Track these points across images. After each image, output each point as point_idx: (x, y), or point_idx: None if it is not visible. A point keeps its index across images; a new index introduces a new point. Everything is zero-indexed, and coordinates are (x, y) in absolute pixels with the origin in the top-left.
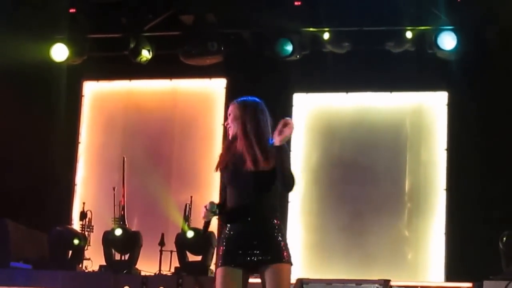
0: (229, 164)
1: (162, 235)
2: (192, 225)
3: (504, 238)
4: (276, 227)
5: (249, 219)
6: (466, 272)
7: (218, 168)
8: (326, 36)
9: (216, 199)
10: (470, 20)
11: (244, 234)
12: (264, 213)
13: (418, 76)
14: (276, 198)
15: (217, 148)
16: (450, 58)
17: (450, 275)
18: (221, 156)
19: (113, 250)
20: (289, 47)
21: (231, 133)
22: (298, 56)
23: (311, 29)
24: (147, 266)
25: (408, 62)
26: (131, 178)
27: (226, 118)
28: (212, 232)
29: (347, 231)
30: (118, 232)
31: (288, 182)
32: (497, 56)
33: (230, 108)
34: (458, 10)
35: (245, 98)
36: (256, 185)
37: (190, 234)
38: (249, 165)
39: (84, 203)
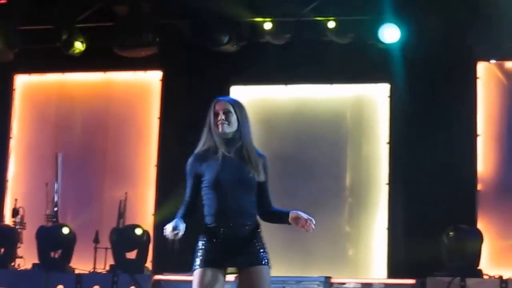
0: (214, 167)
1: (97, 232)
2: (127, 222)
3: (448, 234)
4: (258, 230)
5: (231, 224)
6: (409, 268)
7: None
8: (267, 26)
9: (151, 195)
10: (412, 10)
11: (226, 237)
12: (246, 218)
13: (359, 68)
14: (255, 204)
15: (153, 142)
16: (392, 50)
17: (393, 272)
18: (200, 157)
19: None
20: (225, 37)
21: (222, 129)
22: (235, 47)
23: (251, 19)
24: (81, 264)
25: (349, 53)
26: (64, 174)
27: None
28: (146, 231)
29: (286, 227)
30: (66, 230)
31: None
32: (439, 47)
33: (222, 105)
34: (400, 1)
35: (234, 99)
36: (242, 191)
37: (139, 231)
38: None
39: (16, 200)
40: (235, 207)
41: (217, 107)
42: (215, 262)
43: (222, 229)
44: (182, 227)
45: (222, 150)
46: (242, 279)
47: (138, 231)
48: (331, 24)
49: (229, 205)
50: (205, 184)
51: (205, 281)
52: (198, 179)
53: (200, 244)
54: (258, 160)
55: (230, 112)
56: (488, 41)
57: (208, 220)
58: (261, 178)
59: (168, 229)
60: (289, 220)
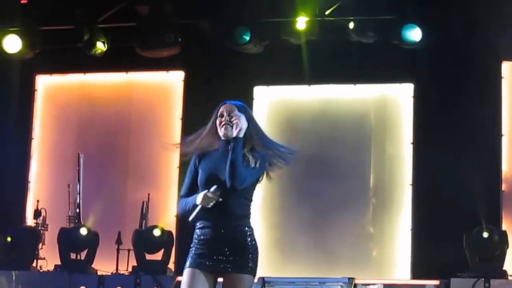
0: (208, 167)
1: (119, 233)
2: (150, 223)
3: (472, 234)
4: (249, 234)
5: (220, 225)
6: (433, 269)
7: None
8: (300, 25)
9: (174, 196)
10: (436, 10)
11: (215, 239)
12: (236, 220)
13: (383, 68)
14: (251, 205)
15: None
16: (416, 49)
17: (417, 273)
18: (200, 155)
19: (69, 249)
20: (247, 36)
21: (225, 132)
22: (257, 46)
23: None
24: (104, 265)
25: (373, 53)
26: (86, 175)
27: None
28: (170, 231)
29: (310, 228)
30: (84, 231)
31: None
32: (463, 46)
33: (227, 107)
34: (424, 1)
35: (241, 102)
36: (237, 192)
37: (157, 232)
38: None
39: (38, 201)
40: (225, 209)
41: (222, 109)
42: (203, 263)
43: (211, 230)
44: (215, 188)
45: (219, 150)
46: (224, 284)
47: (157, 232)
48: (351, 25)
49: (218, 207)
50: (198, 183)
51: (191, 282)
52: (196, 175)
53: (193, 243)
54: (258, 159)
55: (236, 115)
56: None
57: (199, 220)
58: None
59: (207, 194)
60: None
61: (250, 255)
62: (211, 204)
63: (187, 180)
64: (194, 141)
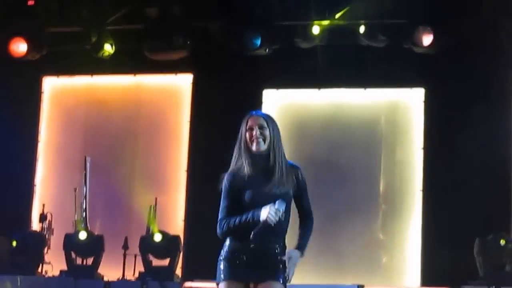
0: (248, 182)
1: (126, 238)
2: (157, 228)
3: (484, 242)
4: (279, 251)
5: (258, 240)
6: (443, 276)
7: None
8: (316, 30)
9: (181, 201)
10: (448, 13)
11: (253, 254)
12: (275, 236)
13: (393, 72)
14: (287, 221)
15: (184, 147)
16: (428, 53)
17: (427, 280)
18: (236, 174)
19: (74, 254)
20: (258, 40)
21: (258, 147)
22: (267, 50)
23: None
24: (110, 270)
25: (383, 57)
26: (93, 178)
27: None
28: (178, 236)
29: (319, 234)
30: (83, 235)
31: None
32: (476, 51)
33: (256, 120)
34: (435, 4)
35: (267, 113)
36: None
37: (158, 237)
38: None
39: (44, 205)
40: (266, 225)
41: (250, 122)
42: (239, 275)
43: (244, 245)
44: (282, 207)
45: (254, 166)
46: None
47: (157, 237)
48: (362, 29)
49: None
50: (240, 199)
51: None
52: (236, 196)
53: (225, 255)
54: (290, 173)
55: (264, 127)
56: None
57: (237, 234)
58: (294, 191)
59: (271, 211)
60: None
61: (284, 264)
62: (276, 220)
63: (226, 202)
64: (235, 169)
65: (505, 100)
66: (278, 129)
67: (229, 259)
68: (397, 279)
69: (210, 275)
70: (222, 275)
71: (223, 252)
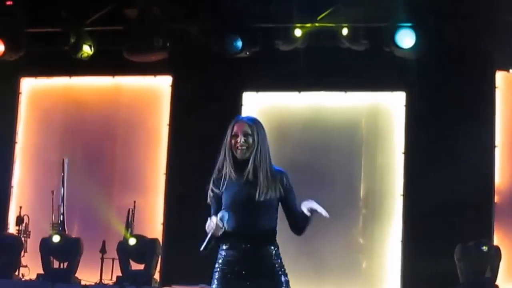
0: (231, 188)
1: (104, 242)
2: (136, 232)
3: (466, 248)
4: (275, 253)
5: (247, 246)
6: (424, 282)
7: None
8: (297, 33)
9: (160, 204)
10: (429, 17)
11: (242, 260)
12: (262, 240)
13: (374, 75)
14: (275, 224)
15: (163, 149)
16: (409, 57)
17: (407, 285)
18: (218, 181)
19: (51, 258)
20: (239, 44)
21: (241, 154)
22: (248, 53)
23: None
24: (87, 274)
25: (364, 60)
26: (70, 181)
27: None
28: (156, 240)
29: (298, 238)
30: (56, 238)
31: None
32: (457, 55)
33: (241, 126)
34: (417, 7)
35: (254, 118)
36: (258, 213)
37: (132, 241)
38: (258, 193)
39: (21, 207)
40: (250, 230)
41: (235, 129)
42: (231, 284)
43: (237, 252)
44: (226, 217)
45: (238, 172)
46: None
47: (132, 241)
48: (345, 31)
49: (243, 228)
50: (223, 207)
51: None
52: (219, 203)
53: (217, 264)
54: (274, 178)
55: (249, 134)
56: (508, 49)
57: (225, 242)
58: (281, 195)
59: (213, 221)
60: (308, 214)
61: (281, 271)
62: (220, 232)
63: (213, 209)
64: (219, 175)
65: (487, 105)
66: (264, 134)
67: (223, 269)
68: (377, 284)
69: (189, 280)
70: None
71: (218, 261)
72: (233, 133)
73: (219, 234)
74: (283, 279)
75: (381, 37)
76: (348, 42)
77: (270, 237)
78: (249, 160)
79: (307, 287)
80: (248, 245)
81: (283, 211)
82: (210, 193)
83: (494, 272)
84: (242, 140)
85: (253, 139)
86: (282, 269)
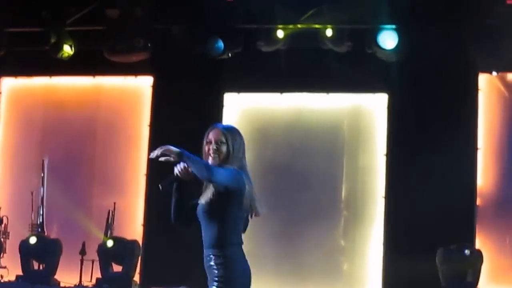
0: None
1: (83, 243)
2: (115, 233)
3: (443, 251)
4: (219, 262)
5: (204, 254)
6: (405, 284)
7: None
8: (280, 34)
9: (140, 205)
10: (412, 19)
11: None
12: (209, 249)
13: (357, 77)
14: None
15: (143, 150)
16: (391, 59)
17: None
18: None
19: (31, 259)
20: (220, 45)
21: (212, 161)
22: (229, 54)
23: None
24: (67, 276)
25: (347, 62)
26: (50, 182)
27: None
28: (135, 241)
29: (280, 240)
30: (33, 240)
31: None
32: (440, 57)
33: (215, 134)
34: (400, 10)
35: (230, 127)
36: (206, 221)
37: (110, 243)
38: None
39: (0, 208)
40: (204, 239)
41: (210, 136)
42: None
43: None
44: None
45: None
46: None
47: (109, 243)
48: (329, 33)
49: (202, 236)
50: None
51: None
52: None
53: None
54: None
55: (222, 142)
56: (490, 52)
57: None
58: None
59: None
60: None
61: (217, 282)
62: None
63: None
64: None
65: (469, 107)
66: (239, 143)
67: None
68: (358, 286)
69: (170, 282)
70: None
71: None
72: (207, 140)
73: (183, 177)
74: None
75: (363, 39)
76: (330, 44)
77: (213, 247)
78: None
79: None
80: (204, 255)
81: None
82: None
83: (475, 275)
84: (214, 147)
85: (227, 147)
86: (218, 282)
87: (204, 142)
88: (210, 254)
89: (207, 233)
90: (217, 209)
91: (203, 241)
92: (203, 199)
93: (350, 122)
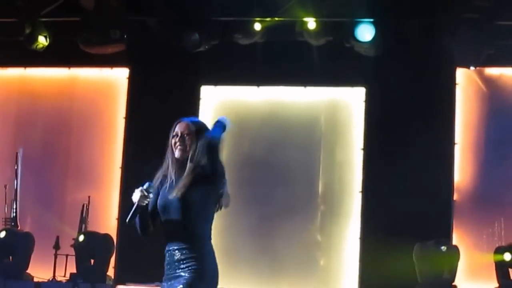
0: (164, 190)
1: (57, 237)
2: (90, 228)
3: (420, 247)
4: (192, 255)
5: (170, 249)
6: (382, 280)
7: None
8: (257, 27)
9: (115, 198)
10: (390, 13)
11: (169, 262)
12: (179, 242)
13: (334, 71)
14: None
15: (118, 143)
16: (369, 53)
17: (365, 284)
18: (159, 178)
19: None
20: (196, 38)
21: (178, 154)
22: (206, 47)
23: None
24: (40, 271)
25: (324, 55)
26: (24, 175)
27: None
28: (108, 236)
29: (255, 235)
30: (2, 234)
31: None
32: (418, 52)
33: (182, 126)
34: (378, 3)
35: (197, 120)
36: (174, 214)
37: (80, 237)
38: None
39: None
40: (171, 232)
41: (177, 129)
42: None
43: (167, 254)
44: (151, 185)
45: (173, 172)
46: None
47: (80, 238)
48: (311, 25)
49: (167, 230)
50: (157, 206)
51: None
52: (156, 198)
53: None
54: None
55: (189, 135)
56: (468, 47)
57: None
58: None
59: (137, 191)
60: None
61: (189, 271)
62: (146, 202)
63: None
64: (161, 173)
65: (447, 102)
66: (203, 136)
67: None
68: (335, 282)
69: (145, 277)
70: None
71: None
72: (174, 132)
73: (144, 204)
74: (185, 281)
75: (341, 32)
76: (308, 37)
77: (185, 240)
78: (185, 162)
79: (263, 285)
80: (170, 249)
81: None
82: (154, 186)
83: (452, 271)
84: (180, 140)
85: (192, 140)
86: (190, 271)
87: (170, 136)
88: (183, 248)
89: (178, 226)
90: (195, 202)
91: (170, 235)
92: (176, 193)
93: (327, 116)
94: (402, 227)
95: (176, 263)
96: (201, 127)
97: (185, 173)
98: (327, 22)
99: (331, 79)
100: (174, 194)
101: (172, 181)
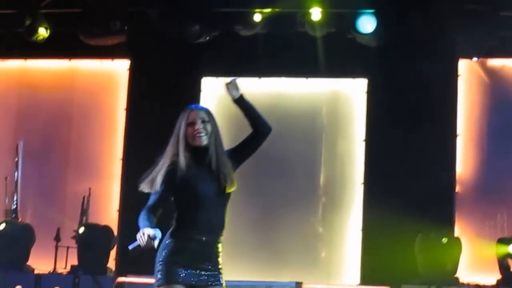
0: (189, 177)
1: (58, 229)
2: (90, 220)
3: (426, 239)
4: (220, 249)
5: (202, 239)
6: (384, 272)
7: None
8: (257, 18)
9: (116, 190)
10: (392, 4)
11: (194, 252)
12: (216, 235)
13: (336, 62)
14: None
15: (119, 134)
16: (371, 44)
17: (366, 276)
18: (173, 170)
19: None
20: (197, 30)
21: (201, 141)
22: (207, 38)
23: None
24: (41, 263)
25: (326, 46)
26: (25, 166)
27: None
28: (108, 228)
29: (257, 227)
30: (1, 226)
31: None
32: (420, 43)
33: (197, 114)
34: None
35: (206, 107)
36: (216, 205)
37: (80, 229)
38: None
39: None
40: (209, 223)
41: (192, 116)
42: (179, 277)
43: (191, 244)
44: (159, 237)
45: (195, 161)
46: None
47: (81, 230)
48: (307, 17)
49: (203, 220)
50: (180, 197)
51: None
52: (169, 191)
53: (165, 255)
54: (228, 161)
55: (206, 121)
56: (471, 38)
57: (178, 233)
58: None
59: (146, 235)
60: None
61: (221, 267)
62: (147, 245)
63: (153, 198)
64: (155, 178)
65: (449, 93)
66: (217, 123)
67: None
68: (336, 274)
69: (145, 269)
70: (161, 279)
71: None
72: (188, 121)
73: (150, 247)
74: (221, 277)
75: (343, 23)
76: (309, 28)
77: (220, 233)
78: (207, 149)
79: (265, 276)
80: (202, 239)
81: (245, 152)
82: (162, 178)
83: (454, 264)
84: (201, 126)
85: (211, 126)
86: (221, 267)
87: (183, 125)
88: (217, 241)
89: (214, 218)
90: (226, 191)
91: (206, 226)
92: (212, 183)
93: (329, 107)
94: (404, 219)
95: (213, 256)
96: (212, 113)
97: (223, 163)
98: (329, 13)
99: (333, 70)
100: (226, 185)
101: (204, 171)
